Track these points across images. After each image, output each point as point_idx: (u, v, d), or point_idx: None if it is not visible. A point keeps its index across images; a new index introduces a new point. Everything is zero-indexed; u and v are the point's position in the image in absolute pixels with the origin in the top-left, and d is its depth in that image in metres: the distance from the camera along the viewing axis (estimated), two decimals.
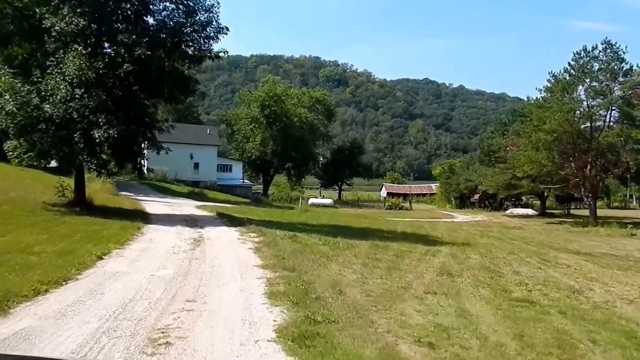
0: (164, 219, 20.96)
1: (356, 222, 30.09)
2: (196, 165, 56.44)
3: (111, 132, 17.80)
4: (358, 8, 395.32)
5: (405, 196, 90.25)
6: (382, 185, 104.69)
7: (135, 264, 10.40)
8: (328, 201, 61.27)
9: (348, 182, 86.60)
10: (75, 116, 18.07)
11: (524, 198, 75.89)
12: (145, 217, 20.43)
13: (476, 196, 78.55)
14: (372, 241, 17.69)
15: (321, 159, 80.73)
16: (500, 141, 56.45)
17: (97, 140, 17.87)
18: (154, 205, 28.49)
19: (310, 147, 72.21)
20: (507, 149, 54.67)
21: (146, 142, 21.21)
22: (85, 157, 18.20)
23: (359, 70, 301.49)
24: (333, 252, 14.00)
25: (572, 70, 44.37)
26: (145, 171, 55.80)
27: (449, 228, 34.74)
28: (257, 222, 20.89)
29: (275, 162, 70.83)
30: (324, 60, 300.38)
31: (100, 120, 18.01)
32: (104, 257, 10.88)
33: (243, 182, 65.06)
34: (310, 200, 58.74)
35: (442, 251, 17.02)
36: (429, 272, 11.91)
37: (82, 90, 18.20)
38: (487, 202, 78.25)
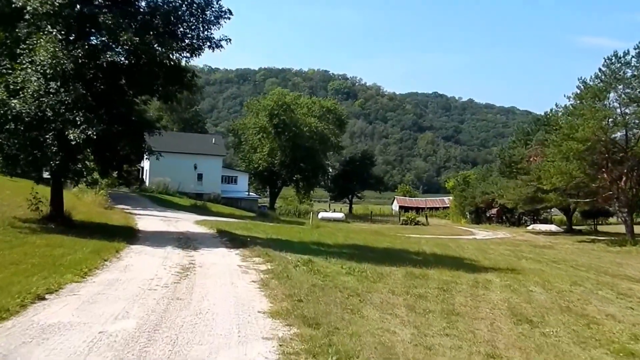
0: (154, 237, 17.77)
1: (375, 241, 26.81)
2: (200, 177, 53.33)
3: (89, 132, 14.70)
4: (366, 23, 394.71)
5: (417, 210, 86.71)
6: (394, 198, 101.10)
7: (87, 309, 7.19)
8: (339, 215, 57.91)
9: (359, 194, 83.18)
10: (49, 114, 15.01)
11: (543, 213, 72.35)
12: (131, 236, 17.25)
13: (494, 210, 75.00)
14: (403, 267, 14.41)
15: (331, 170, 77.49)
16: (522, 151, 53.05)
17: (73, 143, 14.78)
18: (148, 220, 25.35)
19: (320, 158, 69.04)
20: (531, 159, 51.35)
21: (140, 147, 18.11)
22: (57, 162, 15.07)
23: (368, 84, 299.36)
24: (362, 286, 10.73)
25: (603, 77, 41.05)
26: (146, 182, 53.20)
27: (477, 247, 31.35)
28: (264, 242, 17.68)
29: (283, 174, 67.65)
30: (332, 73, 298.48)
31: (77, 118, 14.94)
32: (47, 296, 7.69)
33: (249, 194, 61.83)
34: (321, 215, 55.46)
35: (493, 282, 13.68)
36: (500, 319, 8.63)
37: (58, 83, 15.18)
38: (504, 217, 74.71)
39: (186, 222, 25.90)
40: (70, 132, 14.75)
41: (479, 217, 78.33)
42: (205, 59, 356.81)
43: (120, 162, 16.62)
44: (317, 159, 67.57)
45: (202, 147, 55.45)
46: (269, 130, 64.79)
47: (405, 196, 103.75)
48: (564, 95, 43.59)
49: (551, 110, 49.42)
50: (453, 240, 37.80)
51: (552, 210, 68.91)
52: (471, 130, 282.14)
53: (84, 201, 28.78)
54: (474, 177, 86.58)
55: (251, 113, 69.87)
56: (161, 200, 42.27)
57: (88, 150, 15.50)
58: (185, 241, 16.69)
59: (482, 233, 51.68)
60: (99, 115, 15.47)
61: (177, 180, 49.04)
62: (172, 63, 16.83)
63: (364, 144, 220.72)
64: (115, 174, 17.55)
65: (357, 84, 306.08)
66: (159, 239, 17.24)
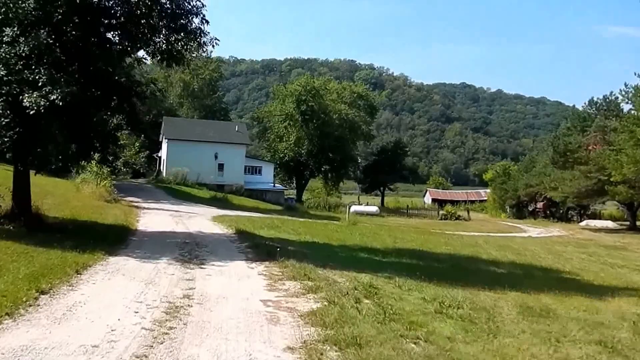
0: (151, 242, 13.32)
1: (429, 243, 22.03)
2: (221, 167, 48.78)
3: (54, 96, 10.29)
4: (394, 13, 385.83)
5: (452, 203, 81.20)
6: (426, 190, 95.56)
7: None
8: (373, 209, 53.00)
9: (391, 186, 77.88)
10: (1, 72, 10.69)
11: (591, 208, 66.52)
12: (121, 240, 12.81)
13: (539, 204, 69.34)
14: (501, 291, 9.78)
15: (360, 160, 72.32)
16: (579, 139, 47.31)
17: (31, 112, 10.38)
18: (155, 216, 21.00)
19: (350, 148, 63.98)
20: (589, 147, 45.66)
21: (132, 120, 13.60)
22: (9, 140, 10.69)
23: (395, 74, 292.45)
24: (474, 341, 6.04)
25: None
26: (163, 173, 49.12)
27: (544, 249, 26.31)
28: (297, 249, 13.13)
29: (311, 164, 62.82)
30: (359, 63, 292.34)
31: (38, 77, 10.55)
32: None
33: (274, 186, 57.27)
34: (353, 208, 50.57)
35: None
36: None
37: (15, 29, 10.85)
38: (549, 212, 69.03)
39: (200, 219, 21.48)
40: (26, 96, 10.34)
41: (520, 211, 72.83)
42: (231, 50, 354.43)
43: (103, 140, 12.10)
44: (346, 149, 62.47)
45: (224, 135, 50.90)
46: (295, 117, 59.89)
47: (437, 188, 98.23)
48: (635, 74, 37.46)
49: (611, 93, 43.71)
50: (508, 239, 32.74)
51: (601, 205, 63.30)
52: (500, 121, 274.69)
53: (82, 193, 24.66)
54: (516, 168, 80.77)
55: (277, 100, 65.13)
56: (177, 192, 38.01)
57: (55, 123, 11.01)
58: (191, 249, 12.17)
59: (532, 230, 46.33)
60: (70, 73, 11.04)
61: (196, 171, 44.68)
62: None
63: (390, 135, 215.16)
64: (96, 157, 12.97)
65: (384, 74, 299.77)
66: (156, 244, 12.79)
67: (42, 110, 10.34)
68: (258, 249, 12.44)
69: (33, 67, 10.67)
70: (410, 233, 27.42)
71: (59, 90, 10.27)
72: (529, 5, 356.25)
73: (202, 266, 9.77)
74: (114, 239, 12.56)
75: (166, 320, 6.05)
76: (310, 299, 7.46)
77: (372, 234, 23.56)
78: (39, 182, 23.29)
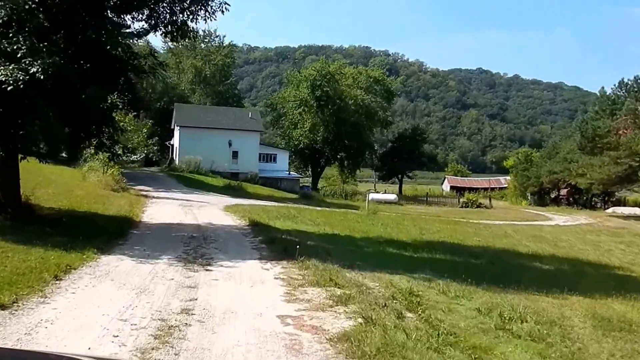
0: (154, 236, 11.89)
1: (458, 233, 20.39)
2: (235, 154, 47.27)
3: (34, 69, 8.82)
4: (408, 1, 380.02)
5: (470, 190, 79.06)
6: (444, 178, 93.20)
7: None
8: (391, 197, 51.21)
9: (410, 174, 75.75)
10: None
11: (616, 194, 64.26)
12: (120, 234, 11.37)
13: (563, 191, 67.19)
14: (559, 295, 8.20)
15: (377, 147, 70.17)
16: (608, 123, 45.01)
17: (7, 88, 8.92)
18: (163, 206, 19.60)
19: (367, 135, 61.98)
20: (620, 132, 43.43)
21: (130, 97, 12.09)
22: None
23: (410, 60, 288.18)
24: None
25: None
26: (176, 161, 47.87)
27: (578, 238, 24.56)
28: (317, 243, 11.62)
29: (327, 151, 61.05)
30: (374, 50, 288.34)
31: (17, 47, 9.10)
32: None
33: (289, 174, 55.71)
34: (371, 196, 48.79)
35: None
36: None
37: None
38: (572, 199, 66.88)
39: (212, 209, 20.03)
40: (1, 69, 8.88)
41: (541, 198, 70.74)
42: (244, 38, 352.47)
43: (97, 121, 10.59)
44: (363, 136, 60.46)
45: (238, 122, 49.32)
46: (310, 103, 57.99)
47: (456, 176, 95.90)
48: None
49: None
50: (536, 228, 31.00)
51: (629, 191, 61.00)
52: (517, 107, 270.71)
53: (88, 182, 23.38)
54: (538, 155, 78.47)
55: (291, 85, 63.27)
56: (190, 180, 36.66)
57: (41, 101, 9.54)
58: (198, 244, 10.69)
59: (558, 217, 44.36)
60: (54, 43, 9.54)
61: (209, 159, 43.31)
62: None
63: (405, 122, 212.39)
64: (93, 142, 11.42)
65: (399, 60, 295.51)
66: (159, 239, 11.34)
67: (22, 86, 8.88)
68: (274, 244, 10.91)
69: (11, 35, 9.20)
70: (434, 223, 25.74)
71: (39, 62, 8.79)
72: None
73: (208, 268, 8.27)
74: (113, 233, 11.14)
75: (152, 348, 4.56)
76: (339, 313, 5.93)
77: (396, 224, 21.97)
78: (42, 171, 22.13)
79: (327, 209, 29.67)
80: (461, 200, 54.63)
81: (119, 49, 10.09)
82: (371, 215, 27.48)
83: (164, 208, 18.81)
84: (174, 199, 23.50)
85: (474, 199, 53.88)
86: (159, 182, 33.04)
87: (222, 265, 8.54)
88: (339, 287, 7.01)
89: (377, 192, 55.50)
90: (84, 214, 14.01)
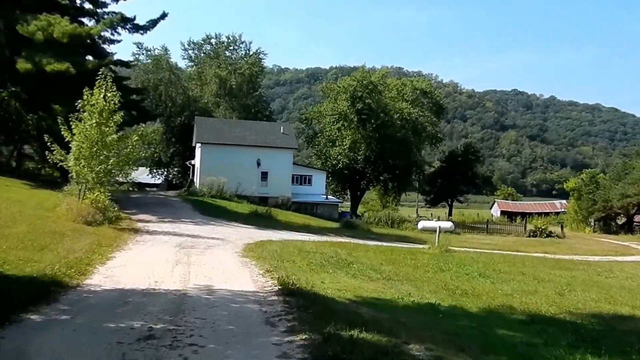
0: (49, 342, 5.10)
1: (590, 286, 13.06)
2: (264, 175, 40.60)
3: None
4: (441, 22, 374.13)
5: (522, 215, 70.53)
6: (494, 201, 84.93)
7: None
8: (447, 224, 43.55)
9: (461, 198, 67.74)
10: None
11: None
12: None
13: (638, 217, 59.00)
14: None
15: (427, 167, 62.68)
16: None
17: None
18: (152, 247, 12.88)
19: (414, 153, 54.73)
20: None
21: None
22: None
23: (444, 81, 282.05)
24: None
25: None
26: (196, 183, 41.59)
27: None
28: (413, 338, 4.59)
29: (369, 172, 54.03)
30: (407, 70, 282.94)
31: None
32: None
33: (327, 198, 48.82)
34: (421, 224, 41.59)
35: None
36: None
37: None
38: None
39: (224, 252, 13.20)
40: None
41: (607, 225, 62.40)
42: (275, 59, 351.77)
43: None
44: (410, 154, 53.27)
45: (268, 138, 42.75)
46: (350, 117, 51.12)
47: (506, 199, 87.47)
48: None
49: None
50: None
51: None
52: (556, 128, 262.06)
53: (57, 211, 16.86)
54: (602, 178, 70.27)
55: (328, 98, 56.70)
56: (209, 206, 30.06)
57: None
58: None
59: None
60: None
61: (235, 180, 36.76)
62: None
63: (442, 144, 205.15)
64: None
65: (433, 80, 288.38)
66: (60, 351, 4.54)
67: None
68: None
69: None
70: (538, 266, 18.28)
71: None
72: (579, 9, 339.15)
73: None
74: None
75: None
76: None
77: (497, 273, 14.75)
78: (11, 195, 16.04)
79: (380, 243, 22.61)
80: (527, 228, 46.64)
81: None
82: (444, 253, 20.29)
83: (147, 252, 12.08)
84: (175, 234, 16.81)
85: (542, 227, 45.84)
86: (169, 209, 26.56)
87: None
88: None
89: (428, 219, 47.96)
90: None
